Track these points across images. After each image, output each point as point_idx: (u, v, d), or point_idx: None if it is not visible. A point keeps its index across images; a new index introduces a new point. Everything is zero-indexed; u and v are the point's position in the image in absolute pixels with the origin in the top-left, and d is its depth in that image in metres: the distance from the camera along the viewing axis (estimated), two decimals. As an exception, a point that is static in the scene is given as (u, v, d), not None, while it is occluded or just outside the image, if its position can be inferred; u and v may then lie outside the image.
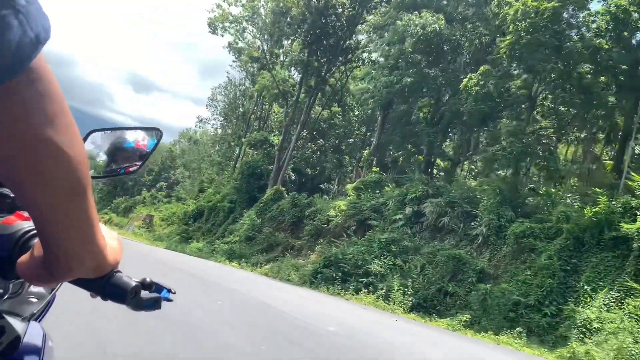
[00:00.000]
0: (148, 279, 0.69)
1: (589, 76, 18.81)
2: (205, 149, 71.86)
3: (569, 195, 19.20)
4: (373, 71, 25.48)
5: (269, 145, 40.53)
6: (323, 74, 34.35)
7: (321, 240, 27.35)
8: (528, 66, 19.23)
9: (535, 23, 17.13)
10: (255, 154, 43.41)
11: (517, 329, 13.16)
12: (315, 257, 26.61)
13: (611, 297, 12.97)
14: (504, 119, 21.03)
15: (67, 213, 0.51)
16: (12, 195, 0.76)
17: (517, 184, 19.95)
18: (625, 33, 17.80)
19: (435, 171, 28.93)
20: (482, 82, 19.32)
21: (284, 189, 33.75)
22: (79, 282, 0.63)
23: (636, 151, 19.73)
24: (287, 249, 28.79)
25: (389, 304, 15.70)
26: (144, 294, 0.67)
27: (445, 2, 26.28)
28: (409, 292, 16.09)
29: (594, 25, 19.04)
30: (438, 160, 28.67)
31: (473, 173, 28.52)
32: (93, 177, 0.98)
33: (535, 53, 17.57)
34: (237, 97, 62.76)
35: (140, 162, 1.09)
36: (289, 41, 39.48)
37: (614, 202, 14.83)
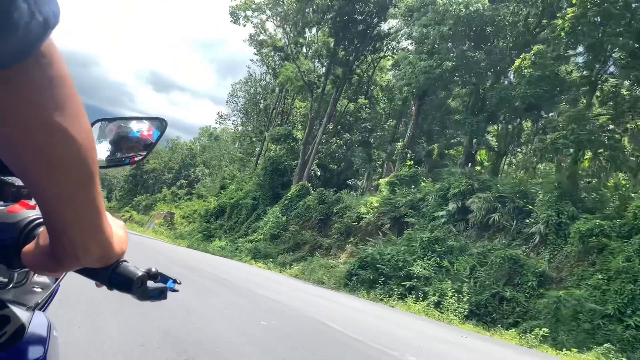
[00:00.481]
0: (154, 269, 0.66)
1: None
2: (226, 145, 70.66)
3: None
4: (410, 55, 23.49)
5: (293, 140, 38.87)
6: (350, 63, 32.46)
7: (351, 239, 25.57)
8: (590, 44, 17.05)
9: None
10: (278, 149, 41.82)
11: (605, 345, 11.14)
12: (345, 257, 24.86)
13: None
14: (562, 104, 18.86)
15: (75, 201, 0.50)
16: (17, 184, 0.74)
17: (576, 177, 17.79)
18: None
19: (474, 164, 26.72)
20: (538, 63, 17.19)
21: (309, 184, 32.03)
22: (85, 272, 0.62)
23: None
24: (314, 248, 27.08)
25: (443, 312, 13.78)
26: (150, 284, 0.65)
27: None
28: (464, 299, 14.14)
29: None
30: (483, 153, 26.53)
31: (518, 165, 26.29)
32: (99, 167, 0.85)
33: (602, 28, 15.45)
34: (257, 93, 61.35)
35: (144, 152, 1.06)
36: (314, 30, 37.73)
37: None
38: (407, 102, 29.59)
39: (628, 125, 21.07)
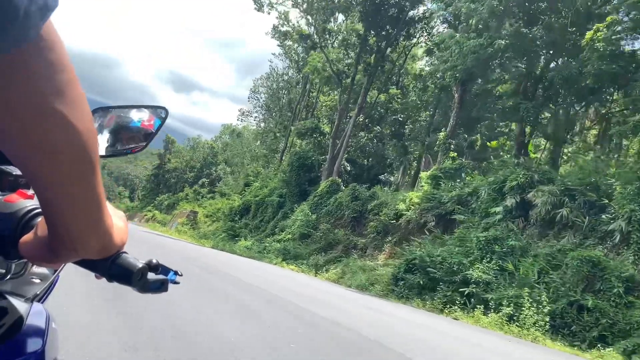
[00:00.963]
0: (154, 261, 0.65)
1: None
2: (248, 142, 69.21)
3: None
4: (457, 34, 21.20)
5: (320, 134, 36.88)
6: (382, 50, 30.26)
7: (389, 238, 23.45)
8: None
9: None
10: (303, 144, 39.90)
11: None
12: (384, 258, 22.77)
13: None
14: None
15: (74, 190, 0.49)
16: (14, 173, 0.73)
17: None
18: None
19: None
20: (615, 37, 14.78)
21: (339, 180, 30.00)
22: (84, 263, 0.61)
23: None
24: (348, 248, 25.05)
25: (521, 327, 11.54)
26: (151, 276, 0.64)
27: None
28: (544, 310, 11.89)
29: None
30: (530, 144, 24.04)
31: (580, 153, 23.67)
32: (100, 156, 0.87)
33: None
34: (280, 88, 59.61)
35: (144, 143, 1.04)
36: (342, 17, 35.65)
37: None
38: (447, 89, 27.25)
39: None
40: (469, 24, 21.16)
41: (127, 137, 1.01)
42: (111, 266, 0.60)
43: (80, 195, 0.49)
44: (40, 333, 0.75)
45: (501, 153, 27.95)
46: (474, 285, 14.85)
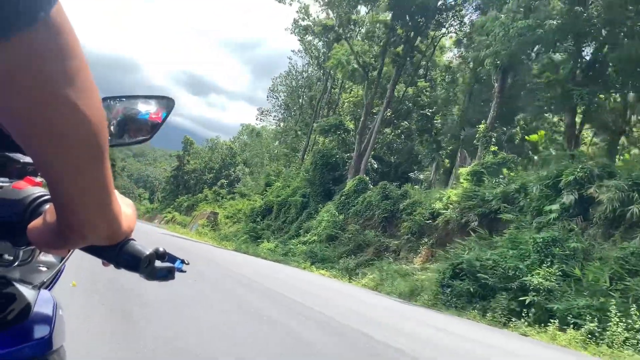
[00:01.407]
0: (161, 249, 0.65)
1: None
2: (267, 142, 68.04)
3: None
4: (502, 15, 19.35)
5: (344, 131, 35.27)
6: (411, 40, 28.51)
7: (425, 240, 21.74)
8: None
9: None
10: (326, 142, 38.35)
11: None
12: (420, 261, 21.07)
13: None
14: None
15: (83, 177, 0.49)
16: (22, 160, 0.73)
17: None
18: None
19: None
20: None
21: (367, 178, 28.35)
22: (92, 250, 0.61)
23: None
24: (380, 250, 23.41)
25: (610, 346, 9.73)
26: (158, 263, 0.64)
27: None
28: (635, 326, 10.05)
29: None
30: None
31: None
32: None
33: None
34: (300, 86, 58.20)
35: (150, 135, 1.03)
36: (365, 9, 33.98)
37: None
38: (481, 80, 25.40)
39: None
40: (508, 7, 19.29)
41: (135, 129, 1.01)
42: (119, 253, 0.60)
43: (89, 181, 0.49)
44: (48, 320, 0.75)
45: (541, 147, 25.94)
46: (534, 293, 13.08)
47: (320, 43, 48.82)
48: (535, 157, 23.14)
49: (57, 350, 0.76)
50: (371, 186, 27.77)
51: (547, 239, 14.50)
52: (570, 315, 11.46)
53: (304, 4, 41.60)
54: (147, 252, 0.62)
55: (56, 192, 0.50)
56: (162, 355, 3.81)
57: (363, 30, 34.64)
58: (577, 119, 20.45)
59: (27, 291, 0.72)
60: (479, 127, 22.62)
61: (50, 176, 0.48)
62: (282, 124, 61.46)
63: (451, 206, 21.01)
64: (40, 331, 0.73)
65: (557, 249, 14.18)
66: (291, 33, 48.86)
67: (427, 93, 33.72)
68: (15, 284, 0.71)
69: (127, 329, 4.45)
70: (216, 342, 4.51)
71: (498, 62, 20.91)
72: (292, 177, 39.61)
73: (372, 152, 32.36)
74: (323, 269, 21.70)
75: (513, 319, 12.41)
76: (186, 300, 6.32)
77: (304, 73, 57.32)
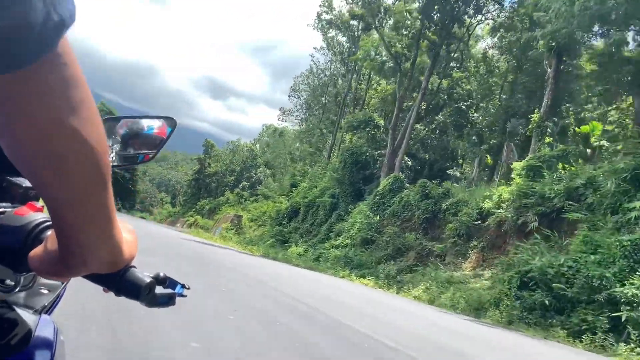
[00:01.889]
0: (162, 274, 0.65)
1: None
2: (290, 143, 66.48)
3: None
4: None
5: (374, 127, 33.25)
6: (447, 27, 26.37)
7: (475, 243, 19.61)
8: None
9: None
10: (355, 139, 36.42)
11: None
12: (470, 267, 18.96)
13: None
14: None
15: (85, 205, 0.49)
16: (24, 185, 0.73)
17: None
18: None
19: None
20: None
21: (402, 176, 26.30)
22: (92, 277, 0.61)
23: None
24: (422, 255, 21.35)
25: None
26: (158, 289, 0.64)
27: None
28: None
29: None
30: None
31: None
32: (112, 167, 0.92)
33: None
34: (322, 84, 56.39)
35: (155, 150, 1.04)
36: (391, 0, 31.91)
37: None
38: (523, 67, 23.12)
39: None
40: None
41: (140, 143, 1.02)
42: (120, 280, 0.60)
43: (91, 210, 0.49)
44: (49, 345, 0.74)
45: (592, 140, 23.49)
46: (628, 307, 10.91)
47: (344, 38, 47.07)
48: (588, 150, 20.78)
49: None
50: (407, 185, 25.73)
51: (636, 241, 12.27)
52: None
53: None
54: (148, 280, 0.61)
55: (58, 220, 0.50)
56: None
57: (391, 22, 32.60)
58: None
59: (28, 316, 0.70)
60: (531, 117, 20.34)
61: (51, 204, 0.48)
62: (304, 124, 59.74)
63: (504, 205, 18.86)
64: (41, 357, 0.71)
65: (649, 253, 11.96)
66: (313, 29, 47.29)
67: (463, 85, 31.46)
68: (16, 308, 0.69)
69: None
70: None
71: (553, 43, 18.67)
72: (318, 177, 37.80)
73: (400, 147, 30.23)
74: (363, 277, 19.75)
75: (609, 340, 10.26)
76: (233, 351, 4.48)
77: (326, 71, 55.54)
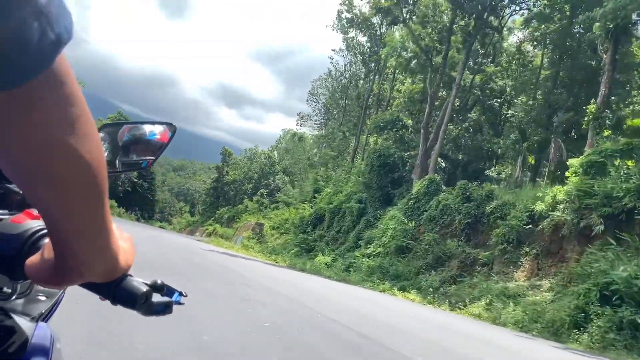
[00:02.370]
0: (159, 281, 0.65)
1: None
2: (309, 148, 64.98)
3: None
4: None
5: (402, 127, 31.40)
6: (482, 16, 24.48)
7: (527, 249, 17.59)
8: None
9: None
10: (380, 141, 34.62)
11: None
12: (524, 277, 16.95)
13: None
14: None
15: (82, 218, 0.49)
16: (22, 192, 0.70)
17: None
18: None
19: None
20: None
21: (438, 177, 24.38)
22: (89, 286, 0.62)
23: None
24: (465, 263, 19.38)
25: None
26: (155, 297, 0.64)
27: None
28: None
29: None
30: None
31: None
32: (113, 172, 0.99)
33: None
34: (342, 86, 54.78)
35: (155, 156, 1.05)
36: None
37: None
38: (562, 58, 21.09)
39: None
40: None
41: (141, 149, 1.02)
42: (116, 289, 0.60)
43: (87, 222, 0.49)
44: (45, 353, 0.73)
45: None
46: None
47: (365, 38, 45.49)
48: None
49: None
50: (443, 187, 23.82)
51: None
52: None
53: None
54: (144, 289, 0.61)
55: (53, 231, 0.50)
56: None
57: (417, 15, 30.81)
58: None
59: (25, 323, 0.69)
60: (583, 110, 18.30)
61: (47, 217, 0.48)
62: (324, 128, 58.16)
63: (560, 207, 16.85)
64: None
65: None
66: (332, 29, 45.82)
67: (497, 80, 29.45)
68: (13, 316, 0.68)
69: None
70: None
71: (611, 25, 16.69)
72: (343, 182, 36.06)
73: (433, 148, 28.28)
74: (403, 290, 17.88)
75: None
76: None
77: (345, 73, 53.94)
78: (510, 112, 30.49)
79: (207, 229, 66.19)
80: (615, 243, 13.41)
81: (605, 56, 17.90)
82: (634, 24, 17.42)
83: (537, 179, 24.89)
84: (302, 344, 5.17)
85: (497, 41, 28.38)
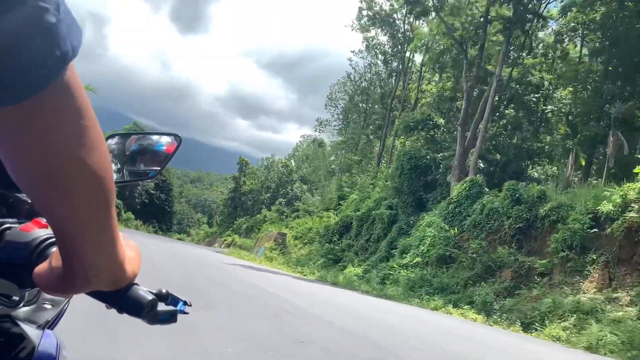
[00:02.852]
0: (164, 290, 0.66)
1: None
2: (328, 155, 63.27)
3: None
4: None
5: (433, 126, 29.38)
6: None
7: (594, 256, 15.39)
8: None
9: None
10: (410, 142, 32.62)
11: None
12: (594, 289, 14.72)
13: None
14: None
15: (89, 227, 0.50)
16: (30, 200, 0.72)
17: None
18: None
19: None
20: None
21: (481, 178, 22.27)
22: (95, 294, 0.62)
23: None
24: (520, 274, 17.20)
25: None
26: (161, 306, 0.65)
27: None
28: None
29: None
30: None
31: None
32: (121, 182, 1.01)
33: None
34: (362, 89, 52.98)
35: (161, 165, 1.06)
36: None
37: None
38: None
39: None
40: None
41: (149, 159, 1.03)
42: (122, 298, 0.61)
43: (94, 231, 0.50)
44: None
45: None
46: None
47: (386, 37, 43.75)
48: None
49: None
50: (486, 189, 21.70)
51: None
52: None
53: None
54: (150, 298, 0.62)
55: (61, 239, 0.51)
56: None
57: (446, 7, 28.90)
58: None
59: (32, 331, 0.71)
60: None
61: (55, 225, 0.49)
62: (344, 132, 56.35)
63: (635, 207, 14.65)
64: None
65: None
66: (352, 29, 44.24)
67: (535, 73, 27.29)
68: (20, 323, 0.70)
69: None
70: None
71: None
72: (369, 187, 34.08)
73: (472, 147, 26.14)
74: (453, 305, 15.80)
75: None
76: None
77: (366, 74, 52.16)
78: (549, 107, 28.25)
79: (225, 240, 64.78)
80: None
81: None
82: None
83: (589, 178, 22.62)
84: None
85: (536, 29, 26.25)
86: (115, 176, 1.00)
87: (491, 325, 13.36)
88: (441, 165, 27.43)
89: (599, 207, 15.86)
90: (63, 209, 0.46)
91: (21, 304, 0.69)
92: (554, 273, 16.48)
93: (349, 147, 51.94)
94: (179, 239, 72.08)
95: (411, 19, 37.07)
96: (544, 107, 28.68)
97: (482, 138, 22.73)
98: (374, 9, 38.18)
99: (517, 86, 27.04)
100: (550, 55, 29.76)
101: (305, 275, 24.59)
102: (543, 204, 18.21)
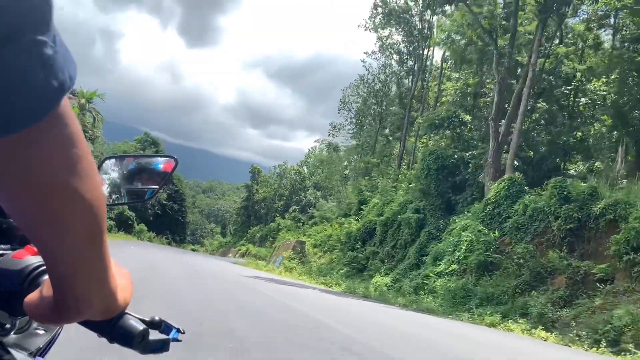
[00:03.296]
0: (157, 318, 0.66)
1: None
2: (345, 159, 61.69)
3: None
4: None
5: (460, 124, 27.63)
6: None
7: (665, 260, 13.50)
8: None
9: None
10: (430, 143, 30.89)
11: None
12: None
13: None
14: None
15: (80, 257, 0.50)
16: (20, 229, 0.71)
17: None
18: None
19: None
20: None
21: (520, 176, 20.45)
22: (87, 324, 0.62)
23: None
24: (575, 280, 15.33)
25: None
26: (153, 334, 0.64)
27: None
28: None
29: None
30: None
31: None
32: (118, 204, 1.02)
33: None
34: (374, 92, 51.37)
35: (160, 185, 1.07)
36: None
37: None
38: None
39: None
40: None
41: (147, 179, 1.03)
42: (113, 328, 0.60)
43: (86, 261, 0.49)
44: None
45: None
46: None
47: (400, 36, 42.17)
48: None
49: None
50: (526, 187, 19.89)
51: None
52: None
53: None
54: (140, 328, 0.61)
55: (52, 269, 0.50)
56: None
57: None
58: None
59: (23, 358, 0.69)
60: None
61: (45, 254, 0.48)
62: (359, 136, 54.70)
63: None
64: None
65: None
66: (365, 29, 42.79)
67: (569, 63, 25.46)
68: (11, 350, 0.68)
69: None
70: None
71: None
72: (391, 191, 32.34)
73: (506, 143, 24.30)
74: (506, 318, 13.98)
75: None
76: None
77: (380, 75, 50.55)
78: (582, 100, 26.37)
79: (240, 249, 63.44)
80: None
81: None
82: None
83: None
84: None
85: (565, 16, 24.47)
86: (113, 197, 1.00)
87: (569, 347, 11.49)
88: (470, 164, 25.66)
89: (667, 203, 14.03)
90: (54, 237, 0.45)
91: (12, 332, 0.66)
92: (617, 279, 14.62)
93: (365, 151, 50.28)
94: (193, 250, 70.82)
95: (427, 15, 35.56)
96: (577, 100, 26.81)
97: (518, 132, 20.95)
98: (390, 5, 36.68)
99: (551, 77, 25.19)
100: (580, 45, 27.96)
101: (330, 286, 22.91)
102: (595, 202, 16.39)
